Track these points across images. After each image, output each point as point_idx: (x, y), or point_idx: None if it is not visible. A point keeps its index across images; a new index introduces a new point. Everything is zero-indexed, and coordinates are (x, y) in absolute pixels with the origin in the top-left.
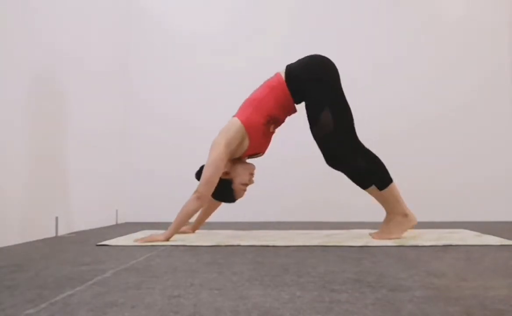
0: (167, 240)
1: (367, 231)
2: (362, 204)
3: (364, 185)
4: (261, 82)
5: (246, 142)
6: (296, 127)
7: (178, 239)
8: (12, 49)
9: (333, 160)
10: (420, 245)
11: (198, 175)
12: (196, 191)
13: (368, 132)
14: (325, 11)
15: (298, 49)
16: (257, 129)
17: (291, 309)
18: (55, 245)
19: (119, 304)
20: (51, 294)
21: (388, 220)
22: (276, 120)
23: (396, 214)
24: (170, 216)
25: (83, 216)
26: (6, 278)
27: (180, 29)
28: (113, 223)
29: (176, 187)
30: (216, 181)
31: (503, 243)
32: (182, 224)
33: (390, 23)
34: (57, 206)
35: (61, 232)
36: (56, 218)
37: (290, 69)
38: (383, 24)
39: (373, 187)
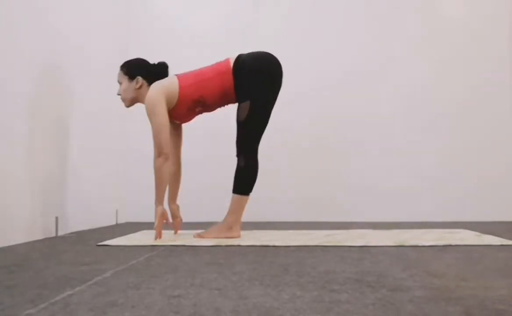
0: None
1: (367, 231)
2: (362, 204)
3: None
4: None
5: (173, 103)
6: (296, 128)
7: (178, 239)
8: (11, 49)
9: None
10: (420, 245)
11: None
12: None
13: (367, 132)
14: (323, 7)
15: (294, 46)
16: (186, 101)
17: (291, 309)
18: (55, 245)
19: (119, 304)
20: (51, 294)
21: (222, 220)
22: (205, 105)
23: (227, 219)
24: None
25: (83, 216)
26: (6, 278)
27: (180, 22)
28: (113, 223)
29: None
30: (166, 132)
31: (503, 243)
32: (161, 187)
33: (390, 21)
34: (57, 206)
35: (61, 232)
36: (56, 218)
37: (239, 58)
38: (382, 22)
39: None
